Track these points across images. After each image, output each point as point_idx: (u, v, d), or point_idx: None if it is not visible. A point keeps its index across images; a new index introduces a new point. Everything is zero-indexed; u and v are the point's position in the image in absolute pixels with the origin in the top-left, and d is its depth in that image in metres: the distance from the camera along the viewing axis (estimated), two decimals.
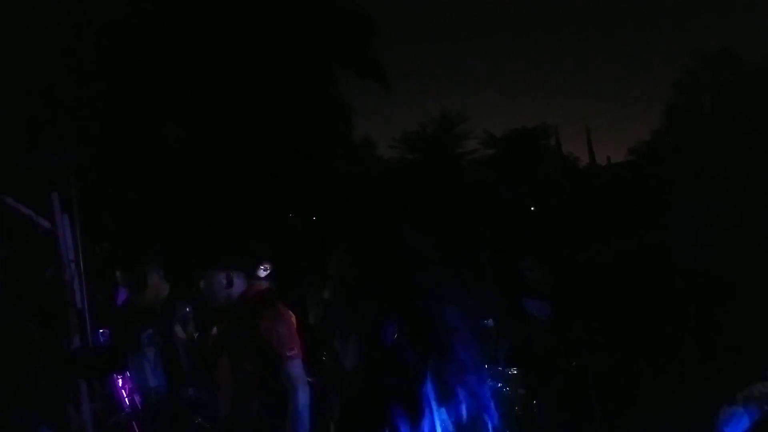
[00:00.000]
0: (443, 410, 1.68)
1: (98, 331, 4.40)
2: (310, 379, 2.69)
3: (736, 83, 22.92)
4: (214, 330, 2.93)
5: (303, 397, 2.31)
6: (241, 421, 2.70)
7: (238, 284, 2.86)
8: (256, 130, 10.36)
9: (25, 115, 7.64)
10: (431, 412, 1.64)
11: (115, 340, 3.44)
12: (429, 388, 1.62)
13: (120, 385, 4.20)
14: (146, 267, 3.84)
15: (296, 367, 2.41)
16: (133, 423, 4.04)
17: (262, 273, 4.46)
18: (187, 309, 3.06)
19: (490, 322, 5.37)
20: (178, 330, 3.68)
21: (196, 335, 2.96)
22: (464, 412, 1.64)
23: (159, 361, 3.71)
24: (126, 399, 4.23)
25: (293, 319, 2.85)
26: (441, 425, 1.61)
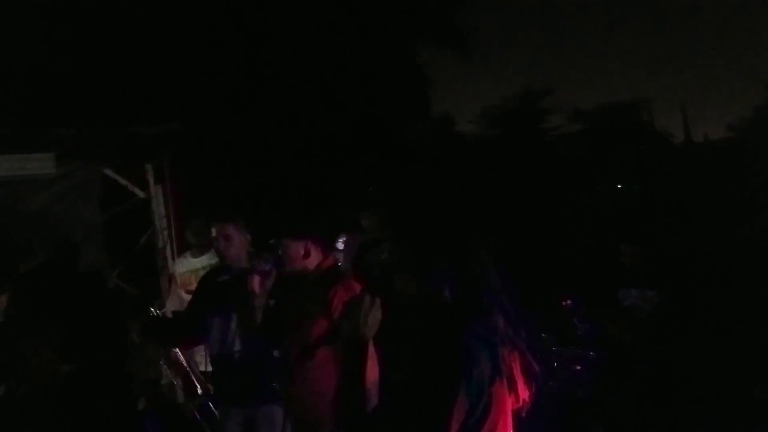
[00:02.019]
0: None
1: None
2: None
3: None
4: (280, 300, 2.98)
5: (372, 373, 2.33)
6: (307, 394, 2.77)
7: (315, 256, 2.90)
8: (336, 101, 10.44)
9: (124, 89, 8.04)
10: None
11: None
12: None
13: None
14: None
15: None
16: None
17: (339, 246, 4.53)
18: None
19: (569, 302, 5.26)
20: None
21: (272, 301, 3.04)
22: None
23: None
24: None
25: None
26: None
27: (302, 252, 2.86)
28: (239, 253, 3.21)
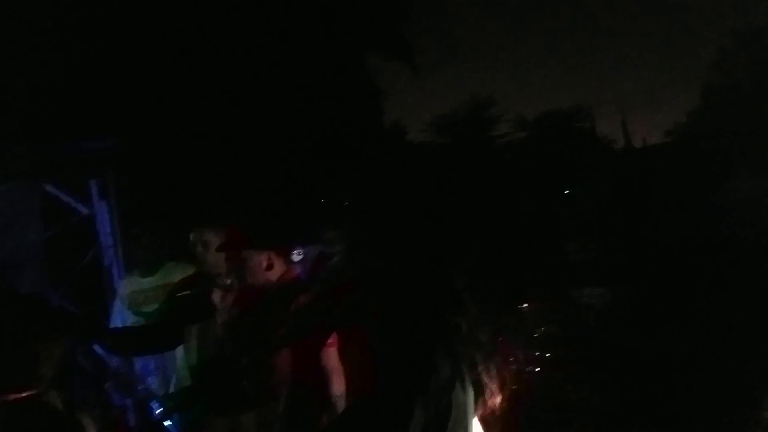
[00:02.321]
0: None
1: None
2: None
3: None
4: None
5: (337, 387, 2.28)
6: (271, 408, 2.71)
7: (278, 268, 2.82)
8: (288, 111, 10.37)
9: (65, 103, 7.77)
10: None
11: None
12: None
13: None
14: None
15: (330, 357, 2.34)
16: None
17: (296, 257, 4.45)
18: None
19: (526, 306, 5.34)
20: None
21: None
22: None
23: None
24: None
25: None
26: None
27: (265, 264, 2.78)
28: (218, 261, 3.12)
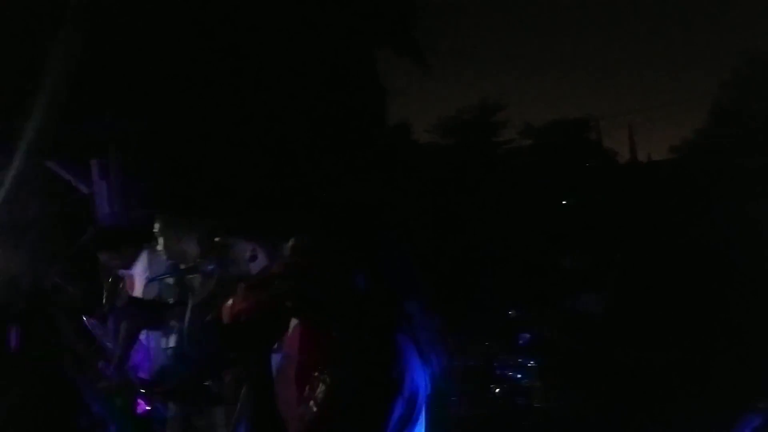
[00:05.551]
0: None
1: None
2: None
3: None
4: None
5: (301, 383, 2.27)
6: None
7: (261, 260, 2.75)
8: (295, 105, 10.38)
9: (70, 83, 7.80)
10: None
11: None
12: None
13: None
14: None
15: (294, 353, 2.32)
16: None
17: (280, 252, 4.45)
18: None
19: (513, 313, 5.38)
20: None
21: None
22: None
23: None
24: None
25: None
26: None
27: (248, 254, 2.70)
28: (186, 249, 3.12)
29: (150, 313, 3.19)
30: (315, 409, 1.65)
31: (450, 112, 24.49)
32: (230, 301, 2.17)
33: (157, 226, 3.22)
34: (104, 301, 4.86)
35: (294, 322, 2.02)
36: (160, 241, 3.20)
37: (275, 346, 2.20)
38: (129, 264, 3.94)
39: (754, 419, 3.24)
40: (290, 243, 2.13)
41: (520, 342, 5.00)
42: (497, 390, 4.77)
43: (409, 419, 1.63)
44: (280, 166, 10.30)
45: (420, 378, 1.67)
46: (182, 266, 3.08)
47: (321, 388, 1.64)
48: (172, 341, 3.12)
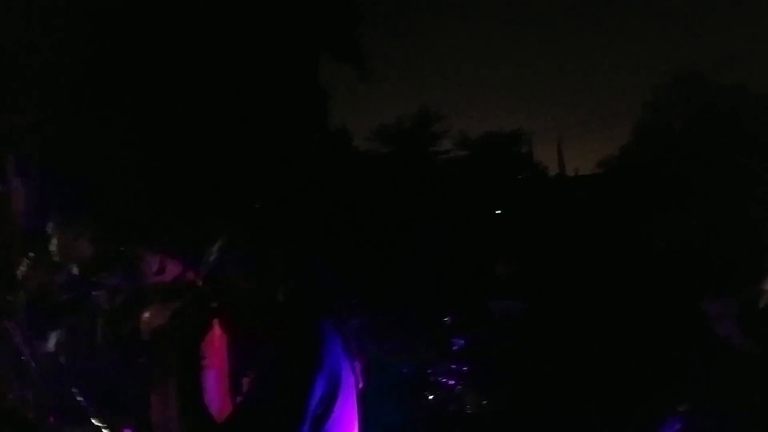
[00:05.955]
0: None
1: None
2: None
3: (707, 106, 23.45)
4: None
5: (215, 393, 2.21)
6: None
7: (170, 271, 2.60)
8: (228, 107, 10.20)
9: None
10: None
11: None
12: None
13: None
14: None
15: (217, 353, 2.24)
16: None
17: (196, 262, 4.28)
18: None
19: (448, 319, 5.40)
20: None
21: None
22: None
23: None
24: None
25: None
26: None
27: (156, 266, 2.57)
28: (81, 258, 2.91)
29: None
30: (239, 398, 1.69)
31: (389, 120, 24.72)
32: (147, 313, 2.13)
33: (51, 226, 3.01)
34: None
35: (216, 323, 2.00)
36: (53, 241, 2.99)
37: (199, 348, 2.15)
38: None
39: (675, 423, 3.36)
40: (213, 247, 2.11)
41: (454, 348, 5.02)
42: (430, 396, 4.78)
43: (332, 397, 1.66)
44: (199, 170, 10.04)
45: (343, 361, 1.70)
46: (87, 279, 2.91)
47: (246, 381, 1.68)
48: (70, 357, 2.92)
